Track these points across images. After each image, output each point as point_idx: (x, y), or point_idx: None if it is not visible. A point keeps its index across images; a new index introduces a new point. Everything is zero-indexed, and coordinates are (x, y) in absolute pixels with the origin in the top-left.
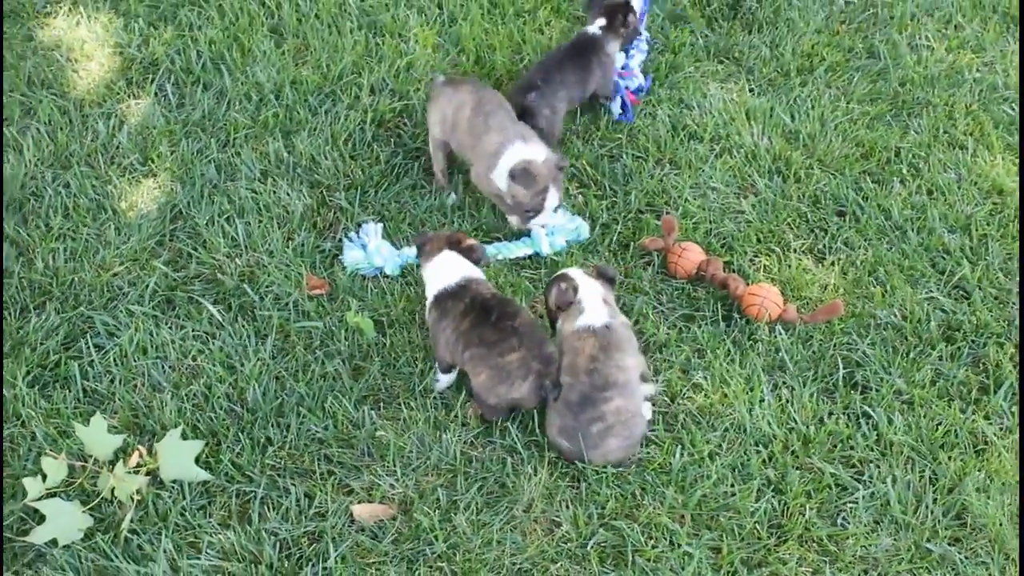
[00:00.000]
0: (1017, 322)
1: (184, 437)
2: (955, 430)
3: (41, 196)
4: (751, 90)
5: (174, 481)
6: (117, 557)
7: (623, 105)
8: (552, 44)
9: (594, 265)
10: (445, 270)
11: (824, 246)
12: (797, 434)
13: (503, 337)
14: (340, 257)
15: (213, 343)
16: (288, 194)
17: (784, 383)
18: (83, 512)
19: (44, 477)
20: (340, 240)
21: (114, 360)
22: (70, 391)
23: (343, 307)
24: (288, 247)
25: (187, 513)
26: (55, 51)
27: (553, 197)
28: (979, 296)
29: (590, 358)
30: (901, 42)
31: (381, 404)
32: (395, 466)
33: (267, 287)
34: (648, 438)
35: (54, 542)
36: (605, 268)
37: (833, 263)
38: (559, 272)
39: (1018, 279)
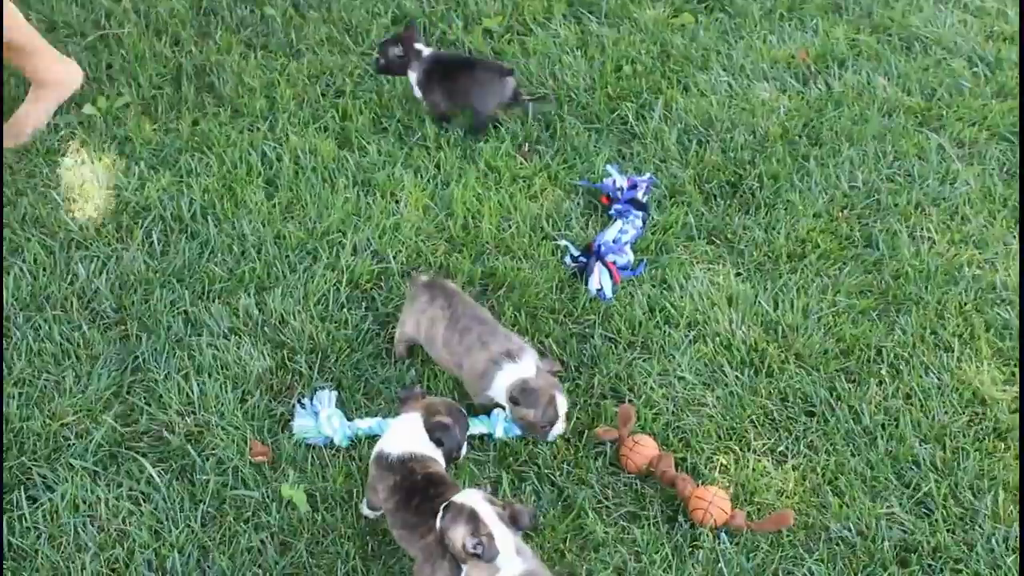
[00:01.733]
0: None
1: None
2: None
3: (9, 337)
4: (738, 274)
5: None
6: None
7: (610, 276)
8: (543, 213)
9: (508, 505)
10: (396, 434)
11: (786, 448)
12: None
13: (423, 519)
14: (291, 423)
15: (146, 505)
16: (250, 353)
17: None
18: None
19: None
20: (293, 405)
21: (43, 515)
22: None
23: (283, 476)
24: (240, 409)
25: None
26: (54, 189)
27: (562, 403)
28: (942, 515)
29: None
30: (902, 232)
31: None
32: None
33: (211, 449)
34: None
35: None
36: (520, 512)
37: (793, 467)
38: (460, 505)
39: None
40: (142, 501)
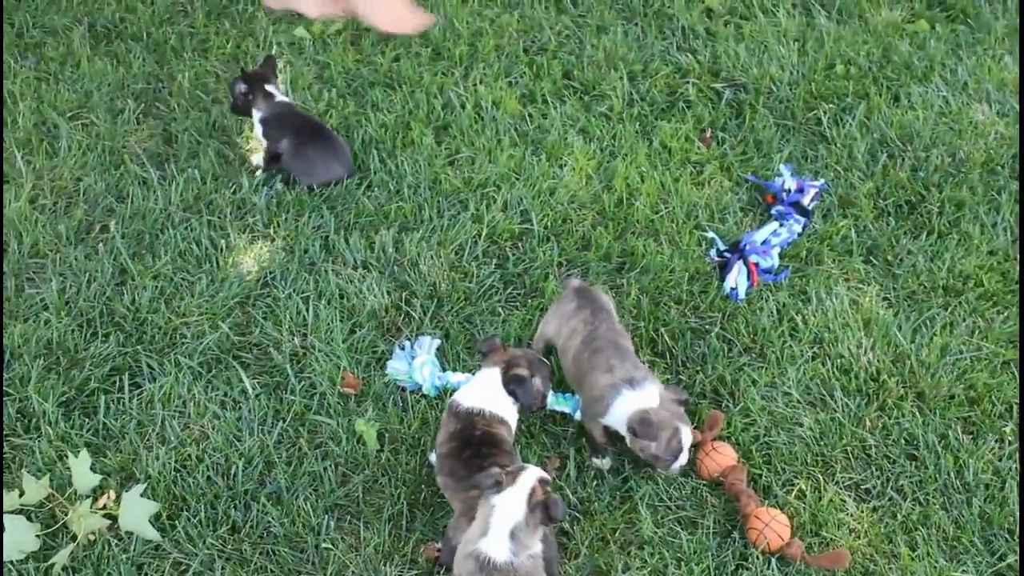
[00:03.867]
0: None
1: (152, 496)
2: None
3: (162, 231)
4: (884, 298)
5: (129, 532)
6: None
7: (748, 277)
8: (702, 202)
9: (549, 493)
10: (473, 386)
11: (872, 487)
12: None
13: (469, 473)
14: (387, 362)
15: (231, 413)
16: (372, 288)
17: None
18: (36, 536)
19: (21, 493)
20: (394, 346)
21: (139, 403)
22: (89, 419)
23: (364, 412)
24: (346, 340)
25: (122, 567)
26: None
27: (687, 436)
28: None
29: None
30: None
31: (349, 517)
32: None
33: (308, 373)
34: None
35: None
36: (553, 504)
37: (874, 508)
38: (517, 466)
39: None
40: (229, 408)
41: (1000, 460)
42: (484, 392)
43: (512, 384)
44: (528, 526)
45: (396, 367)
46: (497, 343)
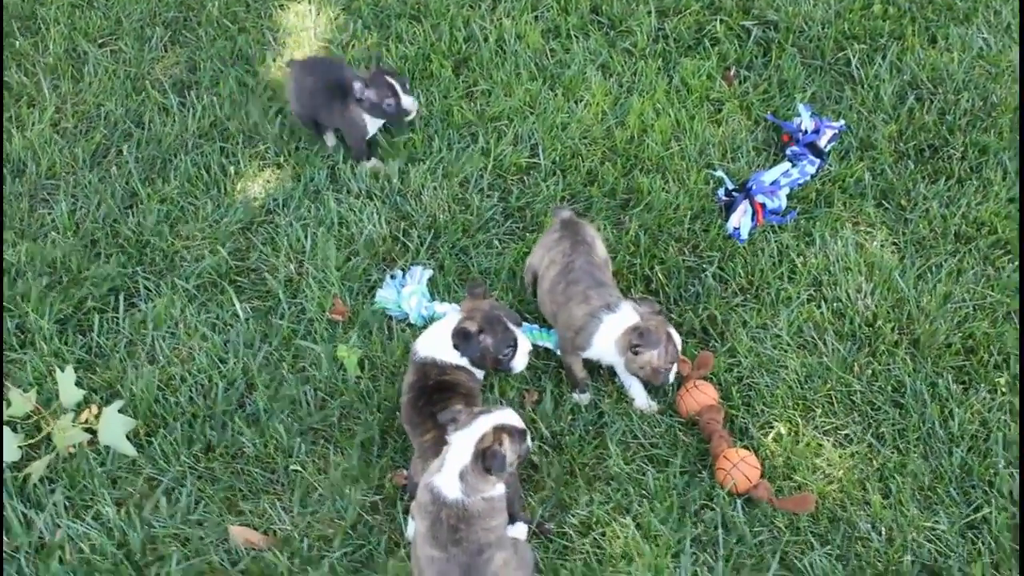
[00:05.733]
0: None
1: (133, 414)
2: None
3: (175, 156)
4: (893, 243)
5: (107, 447)
6: (13, 495)
7: (752, 218)
8: (716, 140)
9: (496, 441)
10: (430, 334)
11: (852, 433)
12: None
13: (423, 420)
14: (377, 290)
15: (220, 335)
16: (372, 217)
17: (707, 565)
18: (18, 447)
19: (8, 404)
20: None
21: (132, 323)
22: (83, 337)
23: (348, 339)
24: (341, 268)
25: (97, 479)
26: (273, 33)
27: (678, 338)
28: (989, 548)
29: (451, 528)
30: None
31: (322, 441)
32: (292, 503)
33: (299, 299)
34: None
35: None
36: (492, 455)
37: (852, 454)
38: (480, 409)
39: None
40: (219, 331)
41: (989, 411)
42: (438, 341)
43: (456, 337)
44: (475, 472)
45: (385, 296)
46: (480, 289)
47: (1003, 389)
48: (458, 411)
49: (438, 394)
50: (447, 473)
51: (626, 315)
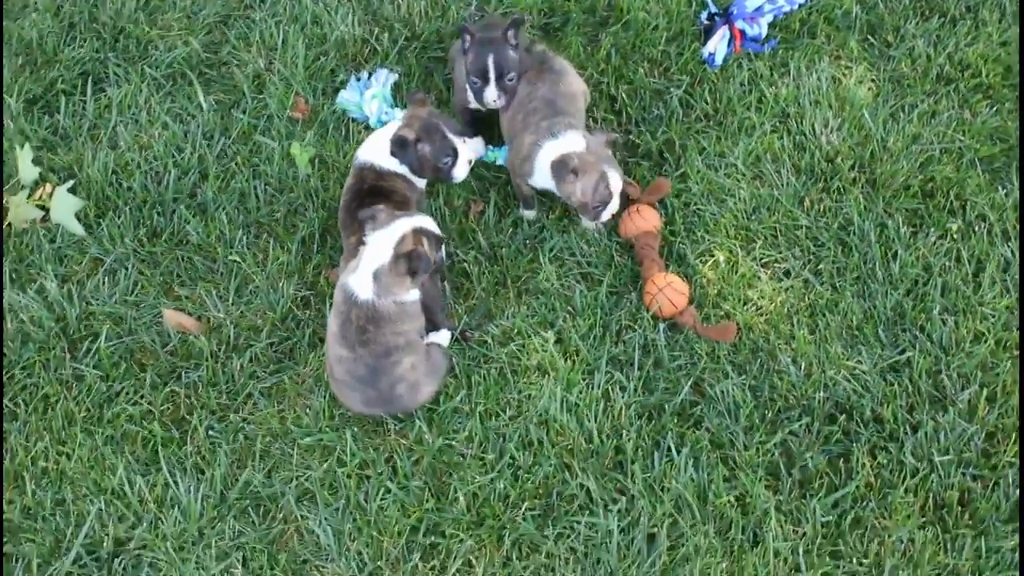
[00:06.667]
0: None
1: (87, 196)
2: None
3: None
4: (873, 80)
5: (57, 225)
6: None
7: (729, 44)
8: None
9: (416, 243)
10: (372, 139)
11: (791, 267)
12: (604, 438)
13: (353, 222)
14: (340, 91)
15: (180, 125)
16: (346, 18)
17: (620, 385)
18: None
19: None
20: (350, 76)
21: (98, 108)
22: (49, 118)
23: (304, 136)
24: (309, 67)
25: (45, 254)
26: None
27: (615, 180)
28: (906, 391)
29: (359, 329)
30: None
31: (265, 235)
32: (228, 292)
33: (263, 94)
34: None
35: None
36: (417, 256)
37: (786, 288)
38: (403, 212)
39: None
40: (181, 121)
41: (935, 256)
42: (378, 147)
43: (393, 145)
44: (392, 273)
45: (347, 97)
46: (420, 96)
47: (954, 235)
48: (379, 209)
49: (371, 198)
50: (361, 273)
51: (566, 142)
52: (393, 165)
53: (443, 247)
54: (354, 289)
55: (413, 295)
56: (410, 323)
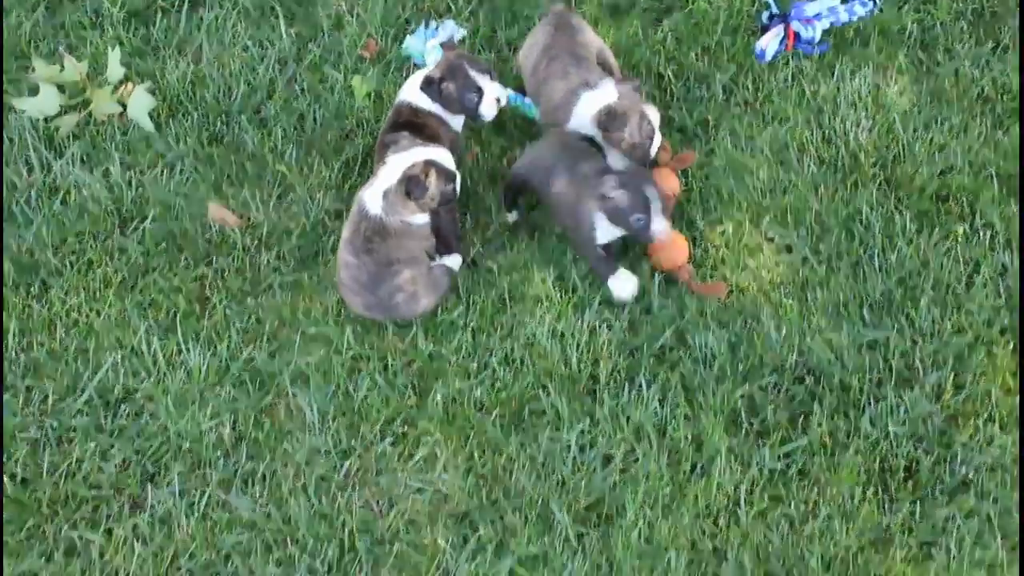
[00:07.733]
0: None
1: (163, 99)
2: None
3: None
4: (914, 92)
5: (132, 120)
6: (41, 142)
7: (781, 42)
8: None
9: (424, 172)
10: (413, 80)
11: (795, 245)
12: (582, 367)
13: (383, 149)
14: (407, 36)
15: (259, 50)
16: None
17: (608, 323)
18: (59, 104)
19: (61, 68)
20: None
21: (189, 25)
22: (145, 30)
23: (370, 75)
24: (384, 13)
25: (114, 143)
26: None
27: (654, 115)
28: (879, 367)
29: (365, 239)
30: None
31: (313, 151)
32: (272, 197)
33: (339, 34)
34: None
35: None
36: (415, 182)
37: (787, 264)
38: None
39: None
40: (261, 46)
41: (934, 254)
42: (413, 86)
43: (422, 84)
44: (396, 194)
45: (412, 43)
46: (451, 43)
47: (958, 238)
48: (402, 135)
49: (400, 130)
50: (374, 189)
51: (604, 93)
52: (427, 103)
53: (456, 182)
54: (366, 203)
55: (421, 219)
56: (415, 242)
